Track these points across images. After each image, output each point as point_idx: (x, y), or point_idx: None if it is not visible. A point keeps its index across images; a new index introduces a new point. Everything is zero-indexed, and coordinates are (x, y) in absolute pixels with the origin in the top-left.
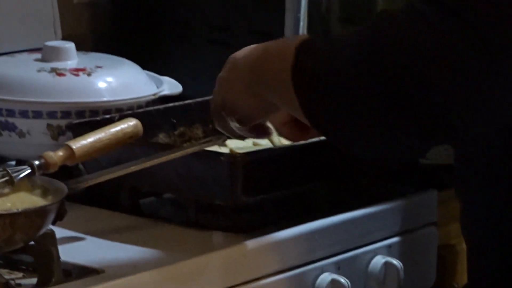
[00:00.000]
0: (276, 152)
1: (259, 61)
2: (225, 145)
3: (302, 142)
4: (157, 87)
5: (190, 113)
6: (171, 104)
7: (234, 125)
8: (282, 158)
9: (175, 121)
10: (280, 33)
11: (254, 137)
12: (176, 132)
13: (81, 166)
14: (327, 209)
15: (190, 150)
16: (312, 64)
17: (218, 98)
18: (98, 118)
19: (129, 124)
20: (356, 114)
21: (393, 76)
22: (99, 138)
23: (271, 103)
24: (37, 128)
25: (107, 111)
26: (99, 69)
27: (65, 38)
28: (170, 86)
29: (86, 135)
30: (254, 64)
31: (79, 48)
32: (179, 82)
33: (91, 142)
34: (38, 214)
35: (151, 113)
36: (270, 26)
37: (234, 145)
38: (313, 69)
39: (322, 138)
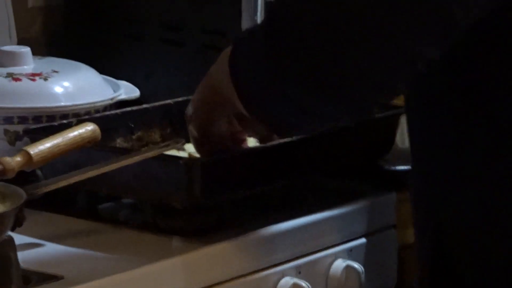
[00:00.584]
0: (234, 154)
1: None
2: (183, 149)
3: (260, 145)
4: (114, 91)
5: (147, 117)
6: (128, 109)
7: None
8: (240, 160)
9: (132, 125)
10: (235, 33)
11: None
12: (133, 137)
13: (38, 171)
14: (287, 211)
15: (149, 155)
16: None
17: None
18: (55, 123)
19: (87, 128)
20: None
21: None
22: (57, 143)
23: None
24: None
25: (65, 116)
26: (55, 74)
27: (19, 42)
28: (127, 90)
29: (43, 140)
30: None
31: (33, 52)
32: (134, 83)
33: (48, 147)
34: None
35: (109, 117)
36: (225, 26)
37: (193, 149)
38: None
39: (280, 141)
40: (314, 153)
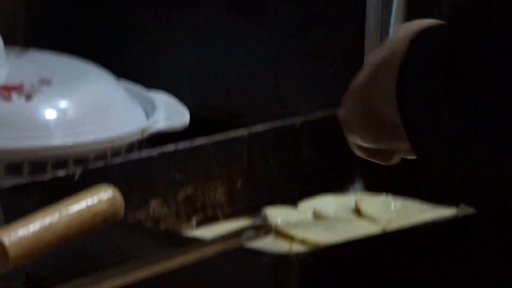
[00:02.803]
0: (360, 246)
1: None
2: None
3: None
4: (147, 115)
5: (203, 160)
6: (170, 147)
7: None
8: (361, 255)
9: (177, 175)
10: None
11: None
12: (179, 196)
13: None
14: None
15: (212, 250)
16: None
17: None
18: (44, 179)
19: (102, 197)
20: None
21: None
22: (50, 224)
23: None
24: None
25: (61, 163)
26: (45, 87)
27: None
28: (168, 111)
29: (26, 220)
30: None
31: (5, 41)
32: (180, 94)
33: (35, 233)
34: None
35: (137, 165)
36: None
37: (280, 216)
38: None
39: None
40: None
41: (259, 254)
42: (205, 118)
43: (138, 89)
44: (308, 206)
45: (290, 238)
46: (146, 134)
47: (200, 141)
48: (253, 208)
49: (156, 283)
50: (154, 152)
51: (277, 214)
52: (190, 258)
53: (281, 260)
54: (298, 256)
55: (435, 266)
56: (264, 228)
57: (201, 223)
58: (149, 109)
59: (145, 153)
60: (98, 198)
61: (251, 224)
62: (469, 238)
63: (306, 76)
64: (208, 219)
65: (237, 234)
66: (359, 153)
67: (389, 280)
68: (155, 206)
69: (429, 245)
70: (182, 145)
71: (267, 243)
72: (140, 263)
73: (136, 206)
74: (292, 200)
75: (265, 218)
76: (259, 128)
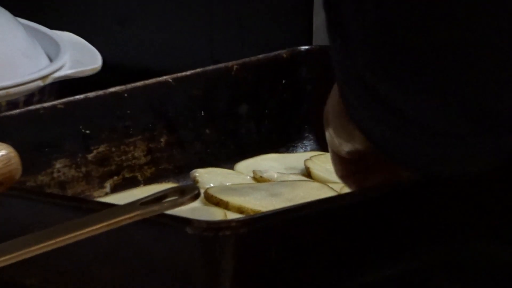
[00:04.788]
0: (299, 213)
1: None
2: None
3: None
4: (50, 59)
5: (119, 112)
6: (80, 97)
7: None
8: (310, 225)
9: (87, 131)
10: None
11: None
12: (90, 156)
13: None
14: None
15: (126, 218)
16: None
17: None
18: None
19: None
20: None
21: None
22: None
23: None
24: None
25: None
26: None
27: None
28: (77, 53)
29: None
30: None
31: None
32: (92, 38)
33: None
34: None
35: (39, 117)
36: None
37: (213, 179)
38: None
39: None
40: (466, 202)
41: (184, 223)
42: (126, 70)
43: (41, 28)
44: (247, 167)
45: (224, 205)
46: (49, 81)
47: (115, 88)
48: (180, 170)
49: (63, 257)
50: (59, 102)
51: (209, 177)
52: (101, 228)
53: (211, 230)
54: (231, 225)
55: (396, 234)
56: (191, 192)
57: (117, 188)
58: (54, 53)
59: (48, 103)
60: None
61: (175, 187)
62: (427, 201)
63: (240, 29)
64: (126, 184)
65: (157, 199)
66: (337, 169)
67: (341, 254)
68: (60, 167)
69: (390, 212)
70: (93, 93)
71: (197, 212)
72: (43, 235)
73: (38, 168)
74: (227, 160)
75: (194, 182)
76: (187, 73)
